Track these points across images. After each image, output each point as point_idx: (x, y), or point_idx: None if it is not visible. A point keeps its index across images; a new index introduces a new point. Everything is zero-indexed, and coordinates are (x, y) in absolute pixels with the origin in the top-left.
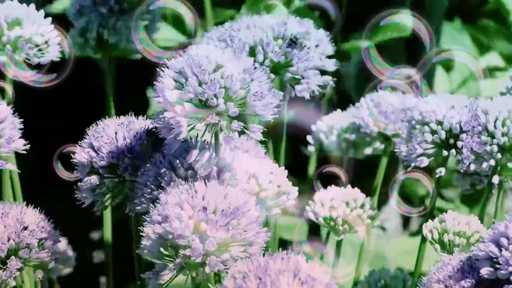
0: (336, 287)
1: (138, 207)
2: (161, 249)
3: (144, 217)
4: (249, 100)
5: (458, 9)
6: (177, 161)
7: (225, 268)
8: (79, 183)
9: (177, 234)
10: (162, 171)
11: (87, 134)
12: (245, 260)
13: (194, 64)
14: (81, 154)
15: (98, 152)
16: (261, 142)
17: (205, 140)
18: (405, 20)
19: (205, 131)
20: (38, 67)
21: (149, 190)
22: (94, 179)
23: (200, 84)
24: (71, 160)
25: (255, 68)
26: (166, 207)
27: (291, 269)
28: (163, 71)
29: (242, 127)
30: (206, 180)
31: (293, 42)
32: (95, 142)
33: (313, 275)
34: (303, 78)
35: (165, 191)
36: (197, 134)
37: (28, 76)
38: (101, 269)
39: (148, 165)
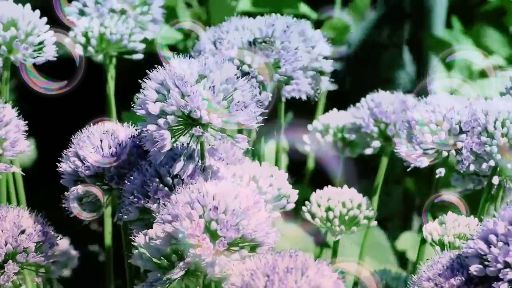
0: (343, 286)
1: (125, 216)
2: (155, 260)
3: (132, 227)
4: (232, 110)
5: (457, 10)
6: (163, 169)
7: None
8: (65, 193)
9: (188, 233)
10: (148, 179)
11: (72, 143)
12: (253, 258)
13: (176, 75)
14: (66, 163)
15: (84, 161)
16: None
17: (191, 146)
18: (469, 56)
19: (189, 142)
20: (49, 73)
21: (136, 199)
22: (80, 188)
23: (182, 96)
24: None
25: (237, 77)
26: (176, 206)
27: (299, 267)
28: (145, 82)
29: (227, 137)
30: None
31: (253, 44)
32: (80, 151)
33: (320, 273)
34: (292, 79)
35: (151, 199)
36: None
37: (39, 83)
38: (103, 269)
39: (134, 173)
